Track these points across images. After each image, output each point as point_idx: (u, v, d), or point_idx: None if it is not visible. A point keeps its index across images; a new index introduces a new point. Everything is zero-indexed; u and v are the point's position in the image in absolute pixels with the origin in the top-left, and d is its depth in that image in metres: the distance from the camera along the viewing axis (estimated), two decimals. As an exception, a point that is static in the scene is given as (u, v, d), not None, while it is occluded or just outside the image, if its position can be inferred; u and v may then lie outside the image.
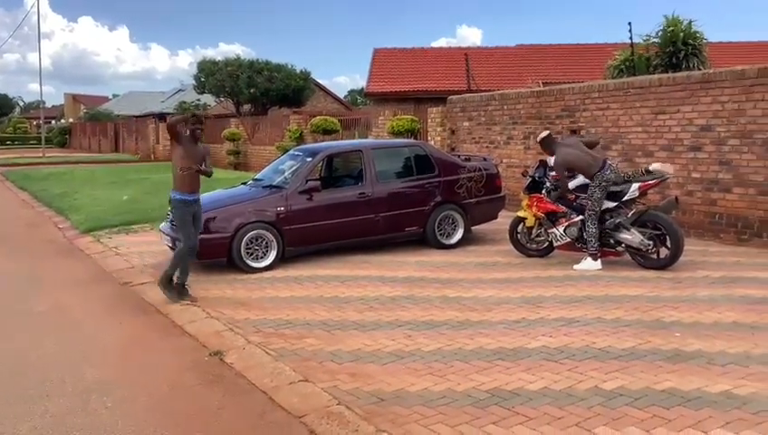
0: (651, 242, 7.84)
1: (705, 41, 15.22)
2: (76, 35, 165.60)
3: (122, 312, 7.23)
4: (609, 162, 8.19)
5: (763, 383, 4.53)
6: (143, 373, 5.41)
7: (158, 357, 5.80)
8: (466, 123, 15.21)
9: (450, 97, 16.19)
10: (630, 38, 15.30)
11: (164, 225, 9.25)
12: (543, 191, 8.63)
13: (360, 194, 9.28)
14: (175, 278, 7.32)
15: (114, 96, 79.98)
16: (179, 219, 7.33)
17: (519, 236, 9.00)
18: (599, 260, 8.03)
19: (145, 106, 56.85)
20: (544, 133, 8.67)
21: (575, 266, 8.05)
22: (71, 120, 69.08)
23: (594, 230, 8.02)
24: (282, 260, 8.67)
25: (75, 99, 79.68)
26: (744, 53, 26.09)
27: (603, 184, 8.01)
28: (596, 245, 8.04)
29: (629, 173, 8.51)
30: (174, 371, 5.44)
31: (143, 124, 41.62)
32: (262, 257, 8.52)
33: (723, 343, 5.35)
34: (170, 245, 8.85)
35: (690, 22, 15.19)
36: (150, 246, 10.23)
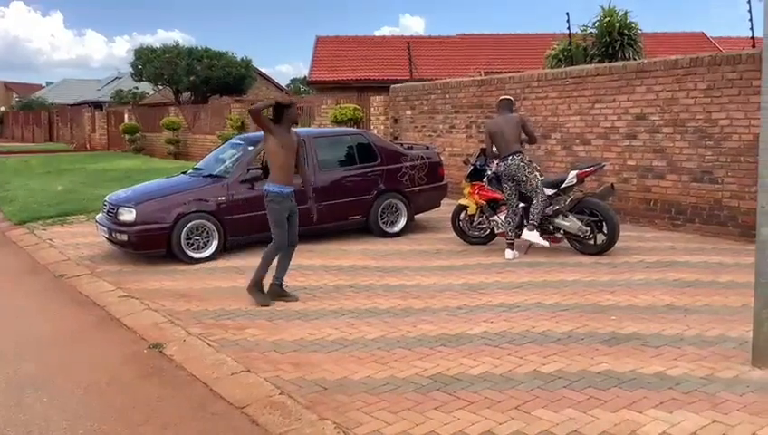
0: (589, 228, 8.01)
1: (640, 31, 15.57)
2: (8, 21, 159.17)
3: (58, 305, 7.03)
4: (510, 159, 8.01)
5: (695, 364, 4.69)
6: (80, 367, 5.27)
7: (95, 350, 5.66)
8: (409, 112, 15.26)
9: (393, 86, 16.21)
10: (568, 28, 15.58)
11: (100, 216, 9.03)
12: (485, 179, 8.72)
13: (302, 183, 9.18)
14: (271, 279, 6.66)
15: (48, 84, 77.48)
16: (276, 215, 6.50)
17: (461, 223, 9.08)
18: (513, 251, 8.14)
19: (80, 94, 55.27)
20: (507, 96, 8.75)
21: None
22: (3, 108, 66.57)
23: (509, 219, 8.20)
24: (224, 250, 8.56)
25: (7, 87, 76.78)
26: (677, 44, 26.89)
27: (499, 175, 8.23)
28: (511, 234, 8.17)
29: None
30: (112, 364, 5.31)
31: (78, 113, 40.47)
32: (203, 248, 8.39)
33: (657, 325, 5.51)
34: (107, 236, 8.64)
35: (626, 12, 15.53)
36: (86, 238, 9.97)
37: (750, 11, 10.60)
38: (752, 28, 10.63)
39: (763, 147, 4.47)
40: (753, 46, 9.98)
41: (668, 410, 4.00)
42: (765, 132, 4.46)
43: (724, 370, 4.57)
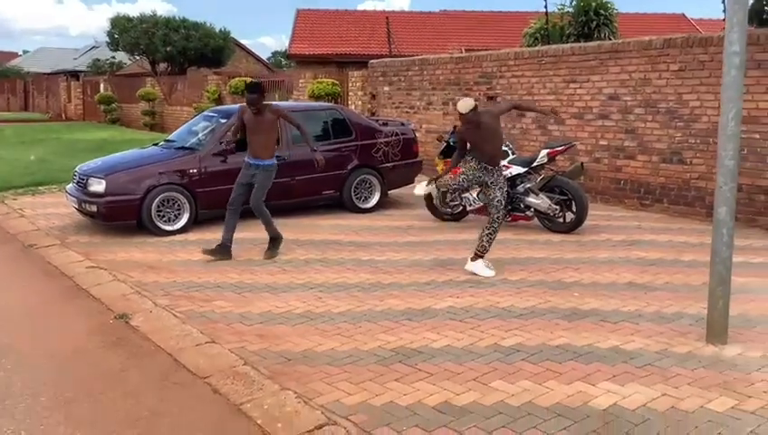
0: (558, 207, 8.10)
1: (615, 11, 15.62)
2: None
3: (26, 274, 7.01)
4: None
5: (651, 339, 4.81)
6: (45, 336, 5.29)
7: (61, 320, 5.67)
8: (387, 88, 15.22)
9: (371, 61, 16.15)
10: (545, 6, 15.58)
11: (70, 186, 8.97)
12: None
13: (276, 157, 9.17)
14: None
15: (25, 52, 76.14)
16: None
17: (434, 200, 9.13)
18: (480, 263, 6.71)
19: (57, 63, 54.38)
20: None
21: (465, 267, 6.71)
22: (-24, 76, 65.35)
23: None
24: (195, 223, 8.55)
25: (-18, 54, 75.36)
26: (657, 24, 27.03)
27: None
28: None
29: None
30: (77, 334, 5.33)
31: (54, 82, 39.81)
32: (174, 220, 8.38)
33: (617, 302, 5.62)
34: (76, 206, 8.60)
35: (602, -9, 15.56)
36: (57, 208, 9.91)
37: (724, -8, 10.67)
38: (724, 10, 10.69)
39: (723, 127, 4.55)
40: (727, 29, 10.08)
41: (621, 383, 4.11)
42: (725, 113, 4.54)
43: (678, 345, 4.69)
